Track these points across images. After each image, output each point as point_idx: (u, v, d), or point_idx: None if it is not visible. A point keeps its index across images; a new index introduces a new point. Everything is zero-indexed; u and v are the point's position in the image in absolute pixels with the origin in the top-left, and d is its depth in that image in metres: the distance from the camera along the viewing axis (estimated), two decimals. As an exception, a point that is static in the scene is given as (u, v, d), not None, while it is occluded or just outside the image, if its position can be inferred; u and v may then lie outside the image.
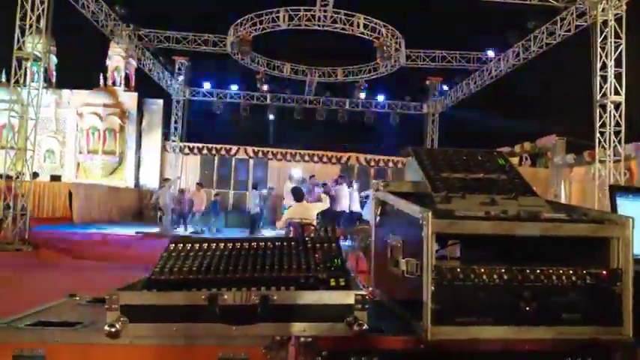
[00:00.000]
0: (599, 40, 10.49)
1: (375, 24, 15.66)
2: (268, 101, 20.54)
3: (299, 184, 12.84)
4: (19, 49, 9.88)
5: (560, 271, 1.43)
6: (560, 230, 1.47)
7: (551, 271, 1.43)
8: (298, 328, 1.35)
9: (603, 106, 10.54)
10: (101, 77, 20.05)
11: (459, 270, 1.40)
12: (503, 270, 1.41)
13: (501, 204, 1.61)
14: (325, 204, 7.40)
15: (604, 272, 1.43)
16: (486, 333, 1.39)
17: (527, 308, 1.40)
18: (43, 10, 10.00)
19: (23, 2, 9.79)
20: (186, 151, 20.49)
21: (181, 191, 16.32)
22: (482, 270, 1.41)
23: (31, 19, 9.82)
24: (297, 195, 7.31)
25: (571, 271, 1.43)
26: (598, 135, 10.62)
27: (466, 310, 1.38)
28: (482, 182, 1.77)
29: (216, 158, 20.57)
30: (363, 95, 19.77)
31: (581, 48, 11.52)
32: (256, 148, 20.51)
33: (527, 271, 1.42)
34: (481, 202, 1.62)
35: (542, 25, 13.20)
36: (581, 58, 11.67)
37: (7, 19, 10.39)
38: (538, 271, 1.42)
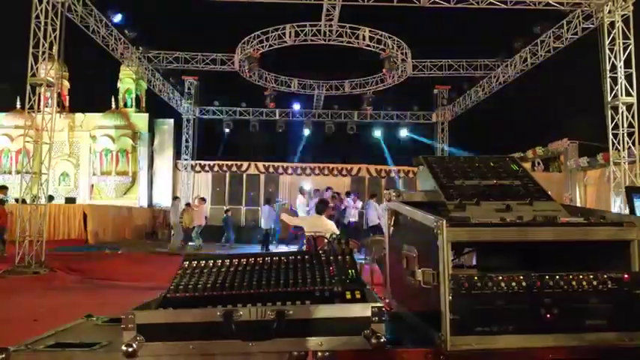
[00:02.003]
0: (607, 42, 10.41)
1: (381, 36, 15.75)
2: (277, 116, 20.68)
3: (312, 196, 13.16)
4: (33, 75, 10.08)
5: (581, 277, 1.40)
6: (579, 234, 1.44)
7: (571, 276, 1.40)
8: (315, 342, 1.33)
9: (615, 108, 10.42)
10: (113, 100, 20.40)
11: (476, 278, 1.38)
12: (521, 277, 1.39)
13: (516, 210, 1.59)
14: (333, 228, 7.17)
15: (626, 276, 1.40)
16: (507, 342, 1.36)
17: (548, 315, 1.37)
18: (55, 37, 10.23)
19: (36, 30, 10.02)
20: (198, 168, 20.66)
21: (188, 204, 16.35)
22: (500, 278, 1.39)
23: (44, 46, 10.04)
24: (320, 208, 7.28)
25: (592, 276, 1.40)
26: (611, 137, 10.49)
27: (485, 319, 1.36)
28: (496, 188, 1.76)
29: (227, 175, 20.70)
30: (370, 107, 19.80)
31: (589, 50, 11.44)
32: (267, 164, 20.61)
33: (547, 277, 1.39)
34: (496, 209, 1.60)
35: (548, 29, 13.15)
36: (589, 60, 11.57)
37: (20, 47, 10.67)
38: (557, 276, 1.39)
